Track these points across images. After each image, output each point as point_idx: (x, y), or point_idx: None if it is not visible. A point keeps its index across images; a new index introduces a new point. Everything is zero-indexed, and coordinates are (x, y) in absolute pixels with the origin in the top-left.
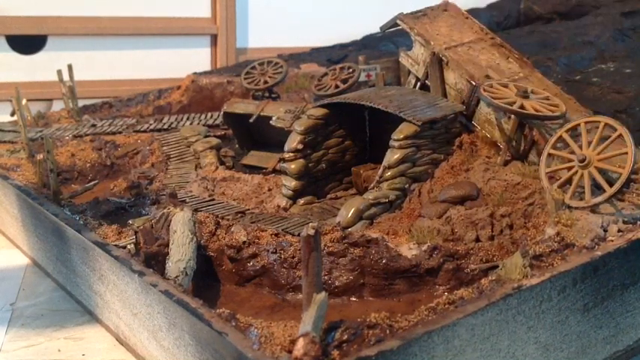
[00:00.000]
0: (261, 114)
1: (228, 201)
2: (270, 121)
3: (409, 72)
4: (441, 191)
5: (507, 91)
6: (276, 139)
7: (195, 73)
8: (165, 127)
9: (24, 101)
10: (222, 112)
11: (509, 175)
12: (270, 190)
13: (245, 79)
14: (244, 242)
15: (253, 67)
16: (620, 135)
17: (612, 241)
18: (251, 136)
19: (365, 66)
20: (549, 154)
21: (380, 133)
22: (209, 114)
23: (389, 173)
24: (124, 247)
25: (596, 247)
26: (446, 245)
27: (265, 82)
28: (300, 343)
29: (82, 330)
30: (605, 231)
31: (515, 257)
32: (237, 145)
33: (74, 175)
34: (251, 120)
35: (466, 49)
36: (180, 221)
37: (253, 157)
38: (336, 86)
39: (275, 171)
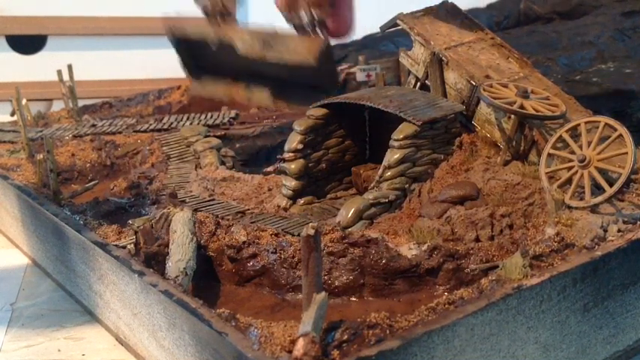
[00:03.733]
0: (223, 39)
1: (228, 201)
2: (237, 50)
3: (409, 72)
4: (441, 191)
5: (507, 91)
6: (233, 68)
7: None
8: (165, 127)
9: (24, 101)
10: (168, 35)
11: (509, 175)
12: (270, 190)
13: None
14: (244, 242)
15: None
16: (620, 135)
17: (612, 241)
18: (200, 62)
19: (365, 66)
20: (549, 154)
21: (380, 133)
22: (209, 114)
23: (389, 173)
24: (124, 247)
25: (596, 247)
26: (446, 245)
27: (219, 5)
28: (300, 343)
29: (82, 330)
30: (605, 231)
31: (515, 257)
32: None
33: (74, 175)
34: (214, 47)
35: (466, 49)
36: (180, 221)
37: (205, 86)
38: (311, 13)
39: (232, 100)
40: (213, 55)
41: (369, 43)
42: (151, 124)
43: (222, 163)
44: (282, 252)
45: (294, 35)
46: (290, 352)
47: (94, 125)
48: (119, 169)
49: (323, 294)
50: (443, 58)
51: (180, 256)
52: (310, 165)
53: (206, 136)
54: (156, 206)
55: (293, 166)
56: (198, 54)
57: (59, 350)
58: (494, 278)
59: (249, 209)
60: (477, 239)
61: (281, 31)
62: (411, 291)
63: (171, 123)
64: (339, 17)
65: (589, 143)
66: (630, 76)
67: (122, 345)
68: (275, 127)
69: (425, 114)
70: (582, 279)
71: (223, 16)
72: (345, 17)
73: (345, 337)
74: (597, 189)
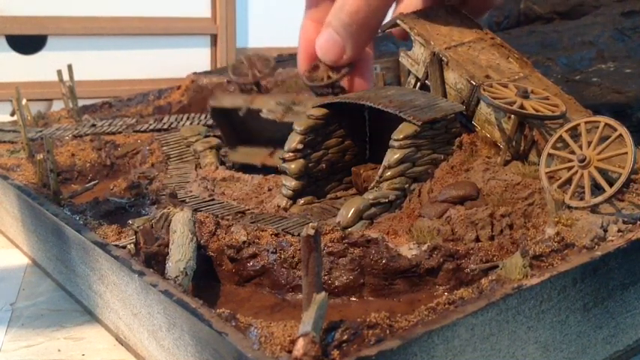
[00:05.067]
0: (251, 107)
1: (228, 201)
2: (261, 114)
3: (409, 72)
4: (441, 191)
5: (507, 91)
6: (263, 135)
7: (195, 73)
8: (165, 127)
9: (24, 101)
10: (208, 107)
11: (509, 175)
12: (270, 190)
13: (232, 72)
14: (244, 242)
15: (241, 61)
16: (620, 135)
17: (612, 241)
18: (237, 131)
19: None
20: (549, 154)
21: (380, 133)
22: (209, 114)
23: (389, 173)
24: (124, 247)
25: (596, 247)
26: (446, 245)
27: (254, 75)
28: (300, 343)
29: (82, 330)
30: (605, 231)
31: (515, 257)
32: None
33: (74, 175)
34: (241, 113)
35: (466, 49)
36: (180, 221)
37: (240, 154)
38: (329, 77)
39: (264, 167)
40: (242, 121)
41: None
42: (150, 124)
43: (222, 163)
44: (282, 252)
45: (312, 98)
46: (290, 352)
47: (94, 125)
48: (119, 169)
49: (323, 294)
50: (443, 58)
51: (180, 256)
52: (310, 165)
53: (206, 136)
54: (156, 206)
55: (293, 166)
56: (232, 120)
57: (59, 350)
58: (494, 278)
59: (249, 209)
60: (477, 239)
61: (302, 96)
62: (411, 291)
63: (171, 123)
64: (357, 79)
65: (589, 143)
66: (630, 76)
67: (122, 345)
68: None
69: (425, 114)
70: (582, 279)
71: (255, 89)
72: (365, 78)
73: (345, 337)
74: (597, 189)
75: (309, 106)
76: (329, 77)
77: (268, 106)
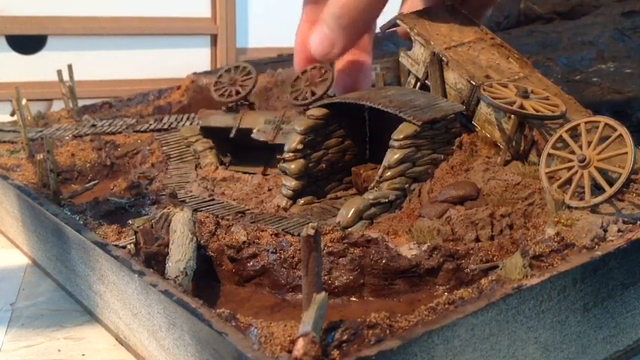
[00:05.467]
0: (241, 127)
1: (228, 201)
2: (252, 135)
3: (409, 72)
4: (441, 191)
5: (507, 91)
6: (259, 143)
7: (195, 73)
8: (165, 127)
9: (24, 101)
10: (197, 125)
11: (509, 175)
12: (270, 190)
13: (215, 91)
14: (244, 242)
15: (220, 76)
16: (620, 135)
17: (612, 241)
18: (232, 143)
19: None
20: (549, 154)
21: (380, 133)
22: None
23: (389, 173)
24: (124, 247)
25: (596, 247)
26: (446, 245)
27: (237, 92)
28: (300, 343)
29: (82, 330)
30: (605, 231)
31: (515, 257)
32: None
33: (74, 175)
34: (231, 135)
35: (466, 49)
36: (180, 221)
37: (235, 168)
38: (313, 93)
39: (265, 174)
40: (234, 138)
41: None
42: (151, 124)
43: (222, 163)
44: (282, 252)
45: (299, 115)
46: (290, 352)
47: (94, 125)
48: (119, 169)
49: (323, 294)
50: (443, 58)
51: (180, 256)
52: (310, 165)
53: (206, 136)
54: (156, 206)
55: (293, 166)
56: (224, 136)
57: (59, 350)
58: (494, 278)
59: (249, 209)
60: (477, 239)
61: (289, 112)
62: (411, 291)
63: (171, 123)
64: (356, 52)
65: (589, 143)
66: (630, 76)
67: (122, 345)
68: None
69: (425, 114)
70: (582, 279)
71: (245, 106)
72: (365, 52)
73: (345, 337)
74: (597, 189)
75: (293, 122)
76: (313, 93)
77: (258, 125)
